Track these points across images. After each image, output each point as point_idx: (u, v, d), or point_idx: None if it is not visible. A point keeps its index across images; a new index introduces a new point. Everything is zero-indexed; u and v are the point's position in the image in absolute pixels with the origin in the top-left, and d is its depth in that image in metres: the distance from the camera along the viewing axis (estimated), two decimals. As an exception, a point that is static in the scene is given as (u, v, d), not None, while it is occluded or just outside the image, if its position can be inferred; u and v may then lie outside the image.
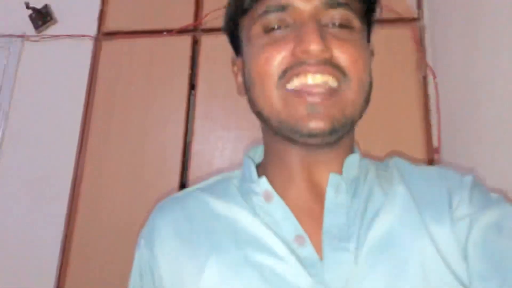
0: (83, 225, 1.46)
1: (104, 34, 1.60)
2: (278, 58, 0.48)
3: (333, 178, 0.51)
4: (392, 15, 1.49)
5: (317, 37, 0.46)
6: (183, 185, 1.50)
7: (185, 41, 1.59)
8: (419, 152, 1.42)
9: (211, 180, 0.61)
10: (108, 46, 1.59)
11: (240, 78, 0.59)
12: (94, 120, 1.54)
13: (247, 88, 0.54)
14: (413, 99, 1.47)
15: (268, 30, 0.50)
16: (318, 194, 0.52)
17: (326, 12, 0.49)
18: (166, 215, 0.56)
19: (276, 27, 0.50)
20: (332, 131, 0.47)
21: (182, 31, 1.58)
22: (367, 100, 0.52)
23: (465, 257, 0.45)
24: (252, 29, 0.52)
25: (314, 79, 0.47)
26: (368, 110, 1.29)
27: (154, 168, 1.52)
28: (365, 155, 0.61)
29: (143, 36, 1.59)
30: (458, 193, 0.49)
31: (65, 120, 1.54)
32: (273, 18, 0.50)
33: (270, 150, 0.57)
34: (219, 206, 0.54)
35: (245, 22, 0.55)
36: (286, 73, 0.48)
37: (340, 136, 0.50)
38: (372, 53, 0.57)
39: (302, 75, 0.47)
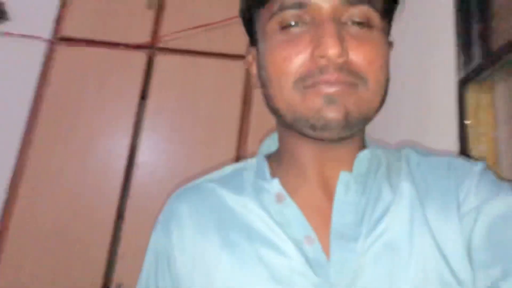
0: (18, 224, 1.46)
1: (59, 39, 1.63)
2: (296, 60, 0.48)
3: (343, 176, 0.51)
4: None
5: (335, 40, 0.45)
6: (124, 193, 1.57)
7: (141, 57, 1.68)
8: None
9: (225, 172, 0.61)
10: (63, 51, 1.63)
11: (254, 70, 0.57)
12: (40, 121, 1.56)
13: (262, 83, 0.53)
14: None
15: (285, 26, 0.49)
16: (329, 192, 0.53)
17: (346, 9, 0.48)
18: (183, 204, 0.57)
19: (293, 23, 0.49)
20: (346, 124, 0.47)
21: (138, 47, 1.67)
22: (383, 98, 0.51)
23: (469, 249, 0.45)
24: (268, 24, 0.51)
25: (331, 89, 0.47)
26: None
27: (97, 174, 1.57)
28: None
29: (100, 46, 1.65)
30: (466, 182, 0.49)
31: (9, 118, 1.53)
32: (290, 15, 0.48)
33: (283, 147, 0.57)
34: (234, 200, 0.55)
35: (261, 14, 0.53)
36: (305, 79, 0.47)
37: (353, 132, 0.49)
38: (391, 45, 0.56)
39: (320, 85, 0.47)
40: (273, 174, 0.56)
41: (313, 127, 0.47)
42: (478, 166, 0.51)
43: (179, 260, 0.53)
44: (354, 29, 0.48)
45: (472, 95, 0.87)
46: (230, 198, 0.55)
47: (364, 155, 0.53)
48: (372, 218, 0.49)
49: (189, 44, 1.70)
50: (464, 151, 0.85)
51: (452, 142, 0.88)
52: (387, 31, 0.53)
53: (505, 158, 0.84)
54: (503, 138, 0.82)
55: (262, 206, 0.53)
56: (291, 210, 0.51)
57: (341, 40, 0.45)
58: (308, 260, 0.47)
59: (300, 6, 0.48)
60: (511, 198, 0.46)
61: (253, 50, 0.58)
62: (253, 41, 0.58)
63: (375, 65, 0.48)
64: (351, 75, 0.47)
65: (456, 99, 0.90)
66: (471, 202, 0.48)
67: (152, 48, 1.69)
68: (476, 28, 0.91)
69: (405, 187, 0.51)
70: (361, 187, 0.52)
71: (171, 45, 1.69)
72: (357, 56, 0.47)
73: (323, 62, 0.46)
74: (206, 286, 0.50)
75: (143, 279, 0.59)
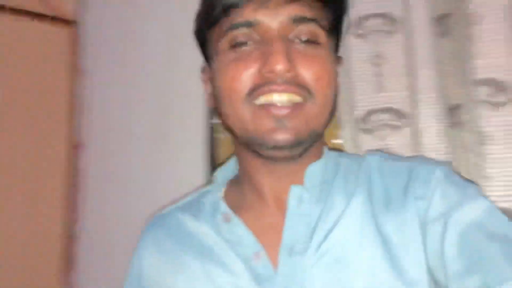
0: None
1: None
2: (245, 76, 0.49)
3: (294, 189, 0.52)
4: (54, 13, 1.52)
5: (283, 57, 0.46)
6: None
7: None
8: (61, 146, 1.55)
9: (191, 197, 0.64)
10: None
11: (209, 88, 0.57)
12: None
13: (216, 101, 0.54)
14: (61, 97, 1.57)
15: (235, 45, 0.50)
16: (283, 207, 0.53)
17: (293, 28, 0.49)
18: (150, 233, 0.62)
19: (243, 41, 0.50)
20: (297, 143, 0.49)
21: None
22: (332, 112, 0.53)
23: (442, 258, 0.45)
24: (219, 44, 0.52)
25: (280, 98, 0.48)
26: (13, 104, 1.36)
27: None
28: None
29: None
30: (428, 190, 0.49)
31: None
32: (240, 34, 0.50)
33: (241, 166, 0.58)
34: (192, 224, 0.58)
35: (213, 34, 0.53)
36: (253, 92, 0.49)
37: (304, 148, 0.51)
38: (340, 61, 0.59)
39: (268, 94, 0.48)
40: (230, 195, 0.59)
41: (264, 147, 0.49)
42: (441, 170, 0.51)
43: (148, 281, 0.59)
44: (302, 46, 0.50)
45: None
46: (190, 223, 0.59)
47: (315, 166, 0.54)
48: (323, 230, 0.50)
49: None
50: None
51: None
52: (334, 47, 0.55)
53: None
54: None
55: (214, 227, 0.56)
56: (239, 228, 0.53)
57: (288, 56, 0.47)
58: (256, 276, 0.49)
59: (249, 24, 0.49)
60: (480, 203, 0.47)
61: (207, 69, 0.58)
62: (207, 60, 0.58)
63: (323, 81, 0.50)
64: (299, 87, 0.49)
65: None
66: (437, 209, 0.48)
67: None
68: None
69: (360, 197, 0.52)
70: (314, 198, 0.53)
71: None
72: (305, 72, 0.49)
73: (271, 76, 0.48)
74: None
75: None
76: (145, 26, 1.34)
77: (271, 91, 0.48)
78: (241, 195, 0.58)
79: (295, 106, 0.49)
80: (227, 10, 0.50)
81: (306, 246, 0.50)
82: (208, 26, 0.54)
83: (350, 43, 0.87)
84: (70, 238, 1.45)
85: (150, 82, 1.28)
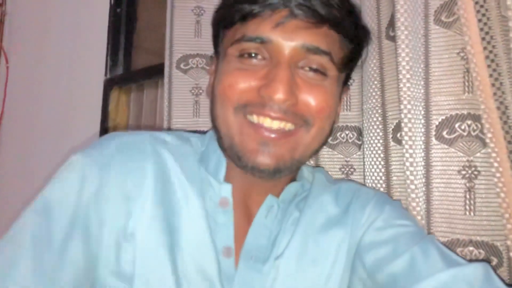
0: None
1: None
2: (242, 88, 0.48)
3: (269, 199, 0.53)
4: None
5: (284, 87, 0.45)
6: None
7: None
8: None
9: (174, 137, 0.56)
10: None
11: (212, 80, 0.56)
12: None
13: (211, 98, 0.53)
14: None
15: (243, 55, 0.49)
16: (249, 214, 0.53)
17: (305, 56, 0.48)
18: (120, 157, 0.52)
19: (252, 54, 0.49)
20: (276, 171, 0.48)
21: None
22: (323, 143, 0.53)
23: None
24: (229, 48, 0.51)
25: (272, 124, 0.47)
26: None
27: None
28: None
29: None
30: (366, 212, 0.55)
31: None
32: (250, 46, 0.48)
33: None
34: (179, 182, 0.51)
35: (226, 35, 0.53)
36: (247, 107, 0.48)
37: (284, 175, 0.51)
38: (346, 91, 0.58)
39: (262, 116, 0.47)
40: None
41: (244, 166, 0.49)
42: (373, 195, 0.58)
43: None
44: (309, 75, 0.49)
45: (114, 94, 1.17)
46: (176, 176, 0.51)
47: (292, 187, 0.56)
48: (281, 245, 0.52)
49: None
50: (104, 134, 1.16)
51: (96, 128, 1.16)
52: (342, 81, 0.55)
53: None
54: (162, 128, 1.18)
55: (203, 205, 0.51)
56: (226, 218, 0.51)
57: (291, 85, 0.47)
58: (220, 271, 0.49)
59: (261, 41, 0.48)
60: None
61: (214, 61, 0.57)
62: (216, 53, 0.57)
63: (323, 114, 0.49)
64: (295, 116, 0.48)
65: (102, 95, 1.17)
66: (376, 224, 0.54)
67: None
68: (123, 41, 1.18)
69: (318, 221, 0.55)
70: (281, 214, 0.54)
71: None
72: (307, 102, 0.48)
73: (268, 101, 0.47)
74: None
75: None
76: (59, 12, 1.43)
77: (265, 116, 0.48)
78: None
79: (285, 133, 0.48)
80: (243, 18, 0.49)
81: (267, 256, 0.51)
82: (223, 26, 0.53)
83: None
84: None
85: (60, 63, 1.39)
